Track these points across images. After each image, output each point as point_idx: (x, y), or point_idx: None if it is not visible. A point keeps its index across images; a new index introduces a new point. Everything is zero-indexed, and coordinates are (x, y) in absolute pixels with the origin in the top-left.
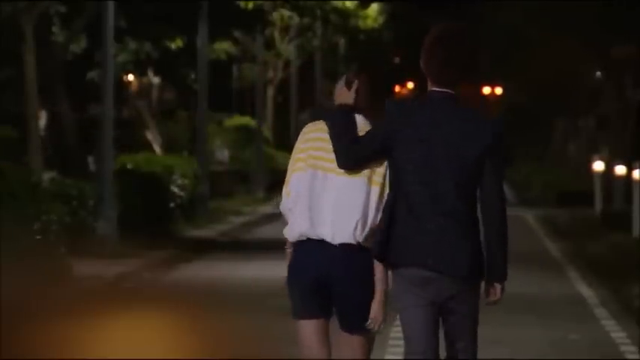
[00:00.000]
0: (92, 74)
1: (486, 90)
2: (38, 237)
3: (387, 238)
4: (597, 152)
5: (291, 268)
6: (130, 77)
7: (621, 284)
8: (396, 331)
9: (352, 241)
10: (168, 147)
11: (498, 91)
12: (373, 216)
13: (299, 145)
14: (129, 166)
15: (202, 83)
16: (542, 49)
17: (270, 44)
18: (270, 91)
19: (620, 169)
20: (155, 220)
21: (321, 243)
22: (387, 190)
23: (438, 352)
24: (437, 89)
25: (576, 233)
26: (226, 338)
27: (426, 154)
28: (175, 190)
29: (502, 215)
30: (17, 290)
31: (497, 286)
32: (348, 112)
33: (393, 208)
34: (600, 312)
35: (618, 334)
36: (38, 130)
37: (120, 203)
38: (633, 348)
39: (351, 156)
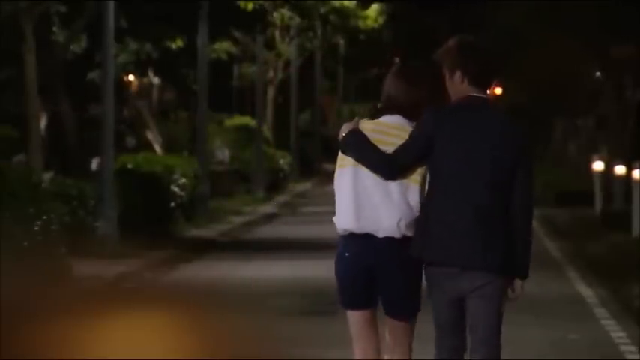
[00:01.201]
0: (93, 74)
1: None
2: (38, 237)
3: (422, 236)
4: (597, 152)
5: (338, 262)
6: (131, 77)
7: (621, 284)
8: None
9: (397, 235)
10: (169, 147)
11: (498, 91)
12: (415, 210)
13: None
14: (129, 166)
15: (202, 83)
16: (542, 50)
17: (270, 44)
18: (270, 91)
19: (620, 169)
20: (155, 220)
21: (366, 236)
22: (425, 189)
23: (465, 341)
24: (473, 94)
25: (576, 233)
26: (226, 338)
27: (462, 156)
28: (175, 190)
29: (530, 216)
30: (17, 290)
31: (520, 283)
32: (355, 132)
33: (428, 207)
34: (600, 312)
35: (618, 334)
36: (39, 130)
37: (120, 203)
38: (633, 348)
39: (393, 168)
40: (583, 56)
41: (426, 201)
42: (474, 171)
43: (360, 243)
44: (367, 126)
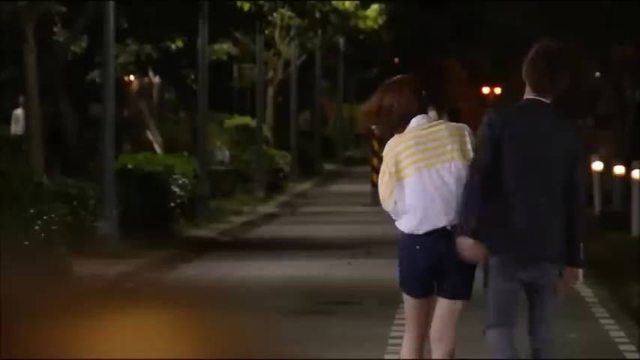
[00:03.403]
0: (93, 74)
1: (486, 90)
2: (39, 237)
3: (481, 225)
4: (596, 152)
5: (408, 255)
6: (131, 77)
7: (620, 283)
8: (396, 331)
9: None
10: (169, 147)
11: (498, 91)
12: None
13: (391, 159)
14: (129, 166)
15: (202, 83)
16: None
17: (270, 44)
18: (270, 91)
19: (619, 169)
20: (155, 220)
21: (437, 230)
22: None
23: (515, 325)
24: (533, 97)
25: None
26: (226, 338)
27: (525, 153)
28: (175, 190)
29: (584, 207)
30: (18, 290)
31: (578, 271)
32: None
33: (489, 198)
34: (599, 311)
35: (617, 333)
36: (38, 129)
37: (120, 203)
38: (632, 347)
39: (481, 175)
40: (583, 56)
41: (486, 193)
42: (535, 167)
43: (432, 237)
44: (406, 137)
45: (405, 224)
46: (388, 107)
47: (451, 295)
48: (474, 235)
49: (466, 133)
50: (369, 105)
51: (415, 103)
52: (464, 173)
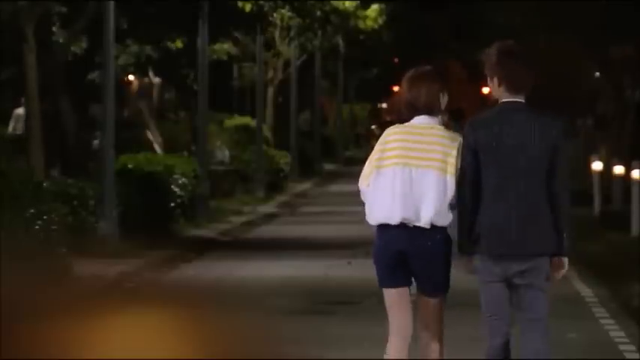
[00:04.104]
0: (93, 75)
1: (486, 90)
2: (39, 237)
3: (469, 233)
4: (596, 152)
5: (376, 248)
6: (131, 77)
7: (620, 283)
8: None
9: (427, 226)
10: (169, 147)
11: None
12: (448, 201)
13: (380, 146)
14: (129, 166)
15: (202, 83)
16: (542, 50)
17: (270, 44)
18: (270, 91)
19: (619, 169)
20: (155, 220)
21: (399, 226)
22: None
23: (509, 316)
24: (508, 99)
25: (575, 233)
26: (226, 338)
27: (502, 156)
28: (175, 190)
29: (567, 198)
30: (18, 290)
31: (564, 260)
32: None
33: (475, 209)
34: (599, 311)
35: (617, 333)
36: (38, 129)
37: (120, 203)
38: (632, 347)
39: (472, 189)
40: (583, 56)
41: (471, 203)
42: (515, 166)
43: (394, 232)
44: (399, 130)
45: (369, 214)
46: (410, 98)
47: (425, 293)
48: (461, 250)
49: (457, 146)
50: (402, 97)
51: (439, 99)
52: (434, 181)
